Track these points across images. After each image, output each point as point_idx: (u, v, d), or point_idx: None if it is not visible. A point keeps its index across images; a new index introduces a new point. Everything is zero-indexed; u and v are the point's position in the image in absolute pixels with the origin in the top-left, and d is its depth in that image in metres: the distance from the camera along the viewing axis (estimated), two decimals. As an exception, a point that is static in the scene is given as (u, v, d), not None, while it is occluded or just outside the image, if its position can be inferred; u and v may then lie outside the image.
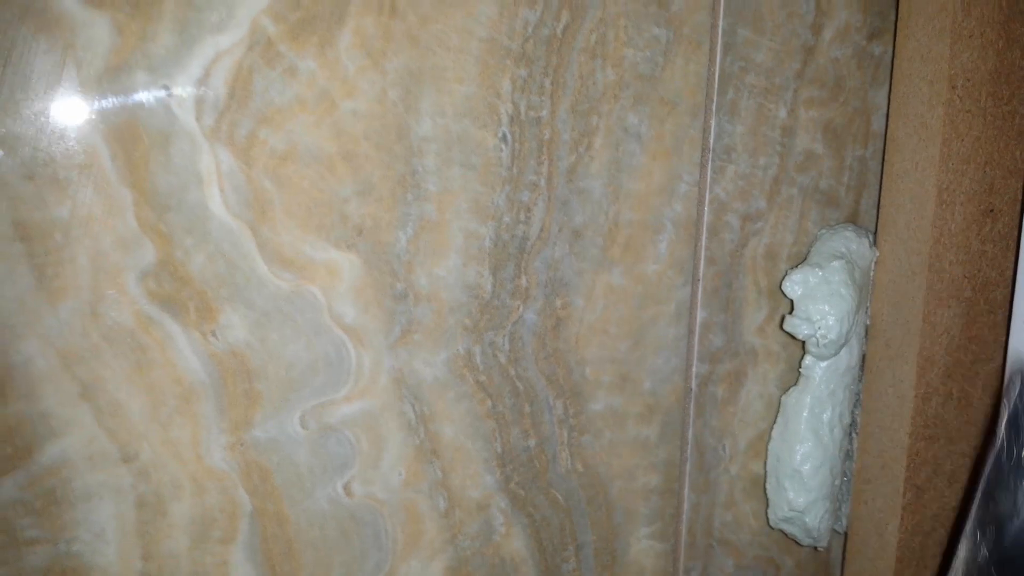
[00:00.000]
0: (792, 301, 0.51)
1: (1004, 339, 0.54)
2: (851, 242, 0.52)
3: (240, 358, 0.40)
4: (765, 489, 0.55)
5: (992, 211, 0.52)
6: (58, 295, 0.37)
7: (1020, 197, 0.53)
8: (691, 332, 0.51)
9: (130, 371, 0.38)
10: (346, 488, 0.44)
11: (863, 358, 0.55)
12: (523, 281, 0.46)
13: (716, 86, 0.49)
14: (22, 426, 0.37)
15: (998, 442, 0.46)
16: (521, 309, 0.46)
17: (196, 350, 0.39)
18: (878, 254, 0.54)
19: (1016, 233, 0.53)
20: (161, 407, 0.39)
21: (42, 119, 0.35)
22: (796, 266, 0.52)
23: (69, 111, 0.36)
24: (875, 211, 0.56)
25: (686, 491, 0.53)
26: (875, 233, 0.55)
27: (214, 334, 0.40)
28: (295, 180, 0.40)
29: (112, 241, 0.37)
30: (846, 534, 0.57)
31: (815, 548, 0.57)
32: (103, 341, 0.38)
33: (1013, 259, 0.53)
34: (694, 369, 0.52)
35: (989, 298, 0.54)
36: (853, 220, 0.55)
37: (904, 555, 0.55)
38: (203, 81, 0.37)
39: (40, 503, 0.38)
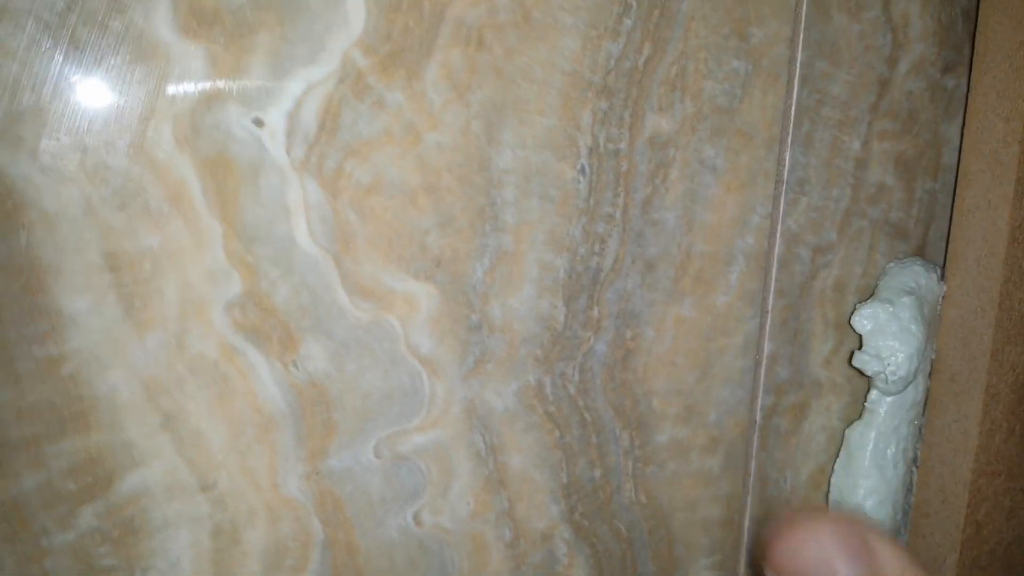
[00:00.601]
0: (861, 336, 0.51)
1: (1069, 376, 0.53)
2: (920, 277, 0.52)
3: (319, 388, 0.40)
4: None
5: (1063, 248, 0.52)
6: (145, 326, 0.37)
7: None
8: (758, 364, 0.51)
9: (212, 401, 0.38)
10: (415, 518, 0.44)
11: (927, 392, 0.54)
12: (595, 312, 0.46)
13: (792, 118, 0.48)
14: (104, 456, 0.37)
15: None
16: (592, 340, 0.46)
17: (277, 380, 0.39)
18: (946, 288, 0.53)
19: (1086, 270, 0.52)
20: (240, 436, 0.39)
21: (134, 150, 0.35)
22: (865, 301, 0.52)
23: (162, 142, 0.35)
24: (943, 244, 0.55)
25: (746, 523, 0.53)
26: (943, 267, 0.54)
27: (295, 364, 0.40)
28: (379, 212, 0.40)
29: (200, 273, 0.37)
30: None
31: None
32: (187, 372, 0.38)
33: (1082, 297, 0.53)
34: (759, 401, 0.51)
35: (1056, 335, 0.53)
36: (921, 253, 0.55)
37: (961, 591, 0.55)
38: (294, 114, 0.37)
39: (118, 532, 0.38)
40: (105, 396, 0.36)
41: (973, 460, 0.53)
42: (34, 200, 0.34)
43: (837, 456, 0.54)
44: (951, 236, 0.54)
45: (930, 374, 0.54)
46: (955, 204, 0.53)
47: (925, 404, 0.55)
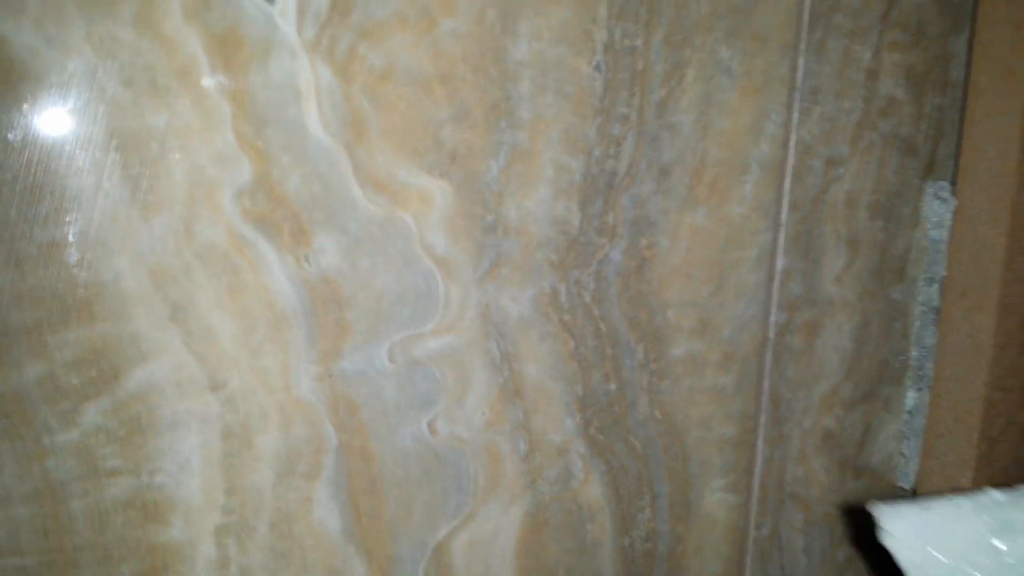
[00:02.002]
0: None
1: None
2: None
3: (332, 285, 0.39)
4: None
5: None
6: (152, 209, 0.35)
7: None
8: (771, 279, 0.50)
9: (222, 293, 0.37)
10: (431, 426, 0.42)
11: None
12: (610, 218, 0.45)
13: (806, 24, 0.48)
14: (109, 348, 0.35)
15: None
16: (607, 247, 0.45)
17: (289, 274, 0.38)
18: (956, 203, 0.53)
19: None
20: (251, 333, 0.38)
21: (141, 21, 0.33)
22: None
23: (170, 13, 0.34)
24: (951, 161, 0.55)
25: (760, 443, 0.52)
26: (953, 183, 0.54)
27: (307, 259, 0.38)
28: (392, 100, 0.38)
29: (208, 155, 0.35)
30: (913, 490, 0.56)
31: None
32: (196, 260, 0.36)
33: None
34: (772, 317, 0.51)
35: (1066, 251, 0.53)
36: (930, 170, 0.54)
37: (974, 512, 0.54)
38: (307, -12, 0.36)
39: (124, 431, 0.36)
40: (111, 283, 0.35)
41: (987, 375, 0.52)
42: (39, 73, 0.33)
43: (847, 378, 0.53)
44: (962, 148, 0.53)
45: (941, 290, 0.54)
46: (965, 116, 0.53)
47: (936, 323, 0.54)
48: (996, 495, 0.41)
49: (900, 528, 0.37)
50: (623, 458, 0.48)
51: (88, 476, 0.36)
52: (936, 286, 0.54)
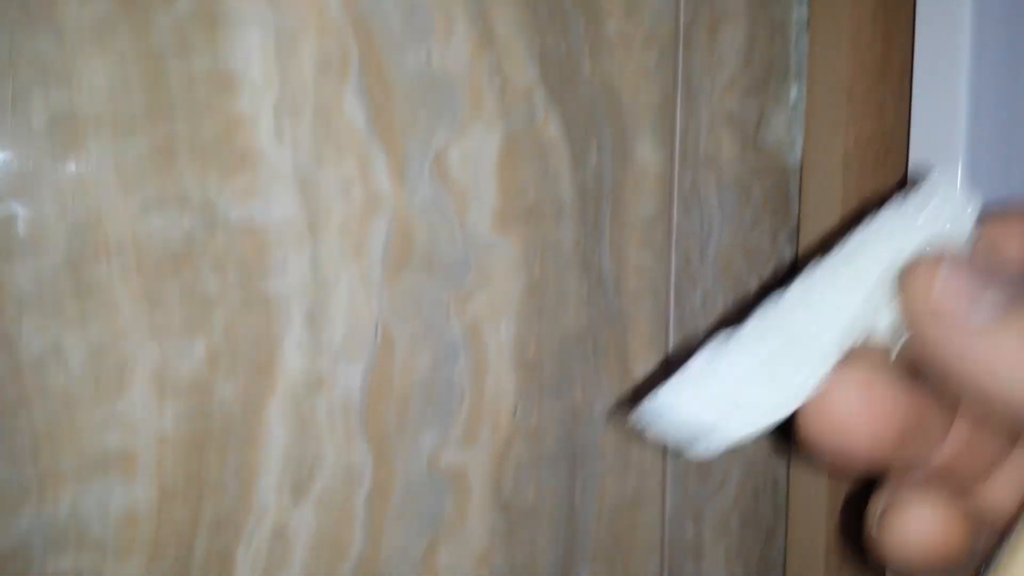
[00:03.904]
0: None
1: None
2: None
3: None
4: None
5: None
6: None
7: None
8: (678, -21, 0.65)
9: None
10: (427, 54, 0.56)
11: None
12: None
13: None
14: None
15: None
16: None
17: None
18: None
19: None
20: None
21: None
22: None
23: None
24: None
25: (678, 112, 0.66)
26: None
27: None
28: None
29: None
30: (800, 169, 0.72)
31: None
32: None
33: None
34: (682, 9, 0.66)
35: None
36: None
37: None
38: None
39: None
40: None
41: (847, 71, 0.68)
42: None
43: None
44: None
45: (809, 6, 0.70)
46: None
47: None
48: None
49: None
50: (574, 107, 0.62)
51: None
52: (805, 5, 0.70)
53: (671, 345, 0.68)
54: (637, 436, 0.67)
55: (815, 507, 0.76)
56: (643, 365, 0.67)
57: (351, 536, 0.56)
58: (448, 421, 0.59)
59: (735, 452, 0.74)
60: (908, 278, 0.22)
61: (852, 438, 0.21)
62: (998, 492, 0.23)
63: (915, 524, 0.22)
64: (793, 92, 0.71)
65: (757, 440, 0.71)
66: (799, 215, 0.73)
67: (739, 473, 0.74)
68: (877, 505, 0.24)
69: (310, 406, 0.54)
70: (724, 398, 0.25)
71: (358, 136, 0.54)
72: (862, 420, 0.21)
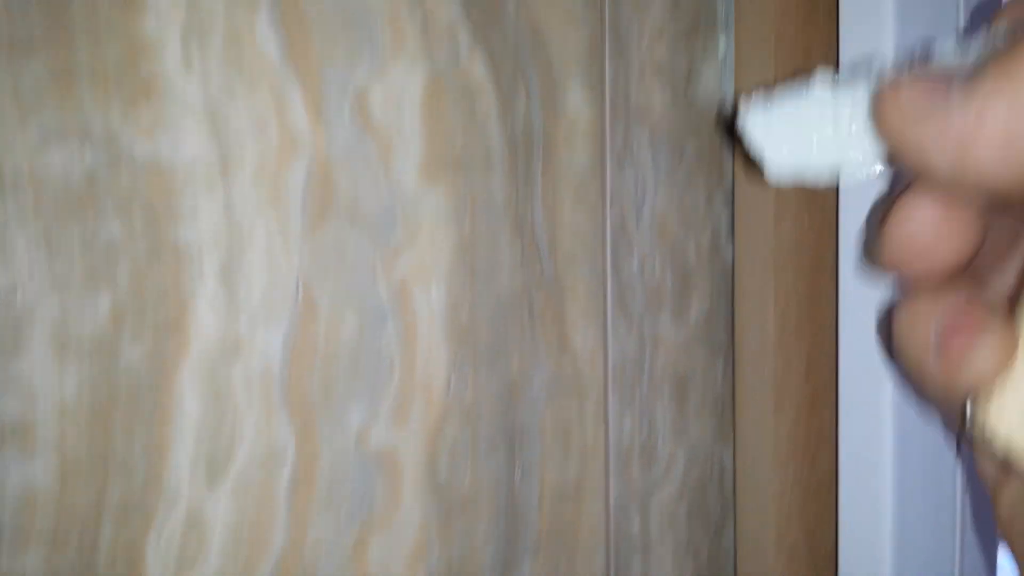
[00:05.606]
0: None
1: None
2: None
3: None
4: None
5: None
6: None
7: None
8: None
9: None
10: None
11: None
12: None
13: None
14: None
15: None
16: None
17: None
18: None
19: None
20: None
21: None
22: None
23: None
24: None
25: (607, 59, 0.72)
26: None
27: None
28: None
29: None
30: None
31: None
32: None
33: None
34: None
35: None
36: None
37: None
38: None
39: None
40: None
41: (773, 18, 0.76)
42: None
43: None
44: None
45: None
46: None
47: None
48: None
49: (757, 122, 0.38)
50: (500, 48, 0.67)
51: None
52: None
53: (609, 314, 0.73)
54: (576, 417, 0.72)
55: (763, 497, 0.82)
56: (581, 334, 0.72)
57: (273, 526, 0.58)
58: (377, 395, 0.62)
59: (678, 437, 0.79)
60: (881, 106, 0.28)
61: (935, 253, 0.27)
62: (1008, 280, 0.29)
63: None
64: (722, 44, 0.79)
65: (700, 424, 0.77)
66: (733, 174, 0.80)
67: (684, 460, 0.80)
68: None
69: (226, 374, 0.55)
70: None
71: (272, 68, 0.56)
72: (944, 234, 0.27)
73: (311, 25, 0.58)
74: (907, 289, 0.29)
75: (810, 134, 0.33)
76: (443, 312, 0.64)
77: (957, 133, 0.24)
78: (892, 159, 0.30)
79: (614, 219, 0.73)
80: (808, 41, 0.78)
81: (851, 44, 0.73)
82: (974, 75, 0.24)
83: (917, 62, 0.29)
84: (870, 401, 0.73)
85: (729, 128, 0.78)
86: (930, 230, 0.28)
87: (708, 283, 0.79)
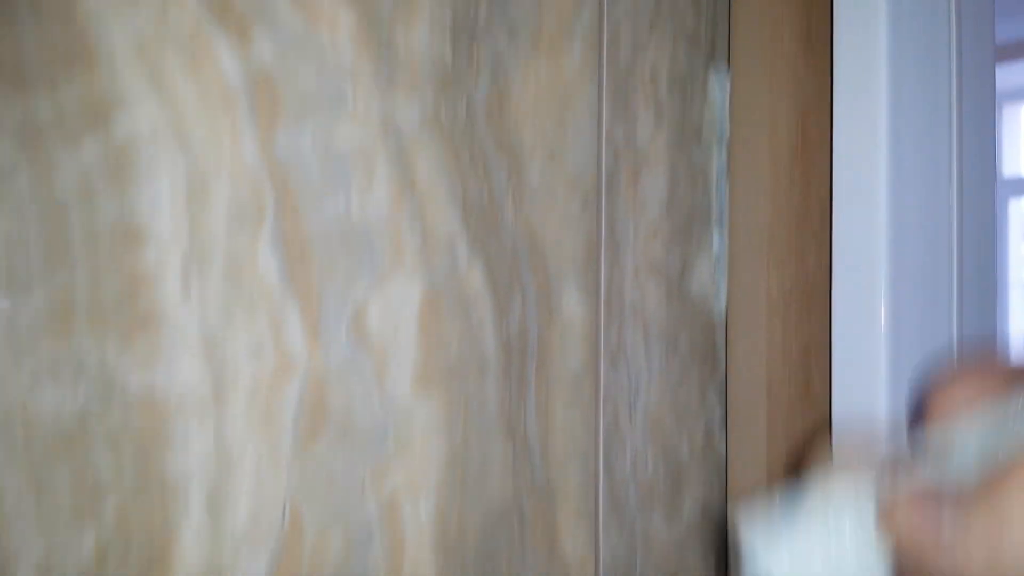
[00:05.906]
0: None
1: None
2: None
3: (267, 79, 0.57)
4: None
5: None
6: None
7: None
8: (600, 125, 0.73)
9: None
10: (346, 207, 0.60)
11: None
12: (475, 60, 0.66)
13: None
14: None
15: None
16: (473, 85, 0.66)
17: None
18: (731, 77, 0.79)
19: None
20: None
21: None
22: None
23: None
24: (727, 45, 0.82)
25: (602, 261, 0.73)
26: (729, 64, 0.80)
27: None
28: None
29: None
30: (725, 322, 0.79)
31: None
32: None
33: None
34: (603, 158, 0.73)
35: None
36: (711, 57, 0.80)
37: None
38: None
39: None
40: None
41: (769, 213, 0.77)
42: None
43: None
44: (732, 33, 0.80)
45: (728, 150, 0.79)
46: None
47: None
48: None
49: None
50: (497, 255, 0.67)
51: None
52: (724, 150, 0.80)
53: (601, 515, 0.73)
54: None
55: None
56: (571, 538, 0.71)
57: None
58: (362, 614, 0.60)
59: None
60: (883, 525, 0.34)
61: None
62: None
63: None
64: (716, 239, 0.80)
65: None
66: (726, 367, 0.80)
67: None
68: None
69: (208, 604, 0.54)
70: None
71: (271, 291, 0.56)
72: None
73: (312, 243, 0.58)
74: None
75: (812, 548, 0.35)
76: (431, 525, 0.63)
77: (951, 555, 0.31)
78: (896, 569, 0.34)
79: (607, 417, 0.72)
80: (802, 238, 0.79)
81: (845, 243, 0.74)
82: (960, 502, 0.31)
83: (902, 467, 0.34)
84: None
85: (723, 540, 0.81)
86: None
87: (702, 478, 0.78)
